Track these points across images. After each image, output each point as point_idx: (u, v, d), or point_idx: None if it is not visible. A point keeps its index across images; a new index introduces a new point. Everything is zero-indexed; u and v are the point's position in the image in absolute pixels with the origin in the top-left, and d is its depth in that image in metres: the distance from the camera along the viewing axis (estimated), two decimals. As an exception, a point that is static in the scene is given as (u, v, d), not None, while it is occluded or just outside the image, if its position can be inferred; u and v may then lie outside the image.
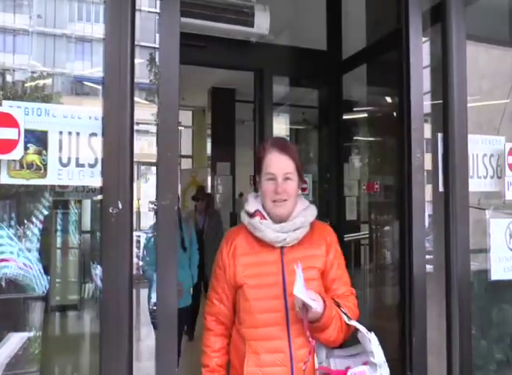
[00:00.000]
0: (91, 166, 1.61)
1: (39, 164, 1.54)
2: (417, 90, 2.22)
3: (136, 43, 1.67)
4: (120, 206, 1.58)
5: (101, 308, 1.58)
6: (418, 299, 2.14)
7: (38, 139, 1.55)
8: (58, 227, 3.32)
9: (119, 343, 1.57)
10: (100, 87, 1.69)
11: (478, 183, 2.35)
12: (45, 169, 1.55)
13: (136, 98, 1.66)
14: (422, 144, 2.21)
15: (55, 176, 1.56)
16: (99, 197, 1.64)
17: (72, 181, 1.60)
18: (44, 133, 1.55)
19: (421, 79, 2.23)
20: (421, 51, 2.25)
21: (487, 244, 2.34)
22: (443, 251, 2.24)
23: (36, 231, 2.68)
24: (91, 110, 1.64)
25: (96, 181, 1.62)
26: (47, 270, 2.80)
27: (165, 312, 1.65)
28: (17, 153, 1.49)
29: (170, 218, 1.68)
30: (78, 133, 1.61)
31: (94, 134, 1.63)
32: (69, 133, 1.59)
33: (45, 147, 1.55)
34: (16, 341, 2.22)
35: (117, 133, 1.61)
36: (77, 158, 1.59)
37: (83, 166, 1.60)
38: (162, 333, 1.66)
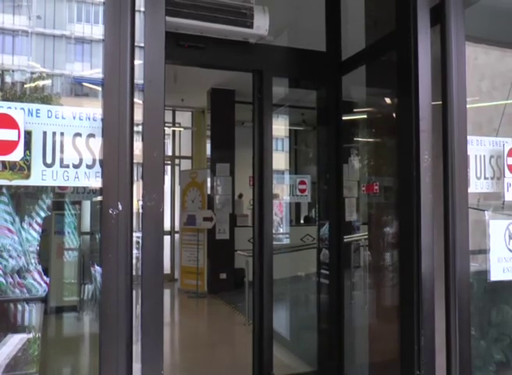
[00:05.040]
0: (76, 166, 1.61)
1: (22, 165, 1.53)
2: (425, 91, 2.23)
3: (135, 44, 1.67)
4: (120, 207, 1.58)
5: (101, 309, 1.58)
6: (426, 299, 2.18)
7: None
8: (58, 229, 3.32)
9: (119, 344, 1.57)
10: (99, 89, 1.69)
11: (478, 184, 2.35)
12: (29, 170, 1.54)
13: (135, 99, 1.66)
14: (430, 146, 2.21)
15: (38, 177, 1.56)
16: (99, 198, 1.64)
17: (57, 182, 1.59)
18: (29, 134, 1.54)
19: (429, 80, 2.24)
20: (429, 52, 2.25)
21: (486, 245, 2.34)
22: (443, 252, 2.24)
23: (35, 233, 2.68)
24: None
25: (82, 182, 1.62)
26: (46, 272, 2.80)
27: (152, 317, 1.65)
28: (17, 154, 1.49)
29: (155, 219, 1.67)
30: (62, 134, 1.60)
31: (80, 136, 1.62)
32: (54, 133, 1.58)
33: (29, 147, 1.54)
34: (15, 342, 2.22)
35: (117, 134, 1.61)
36: (61, 159, 1.58)
37: (67, 166, 1.59)
38: (148, 337, 1.65)
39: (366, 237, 3.69)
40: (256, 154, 3.38)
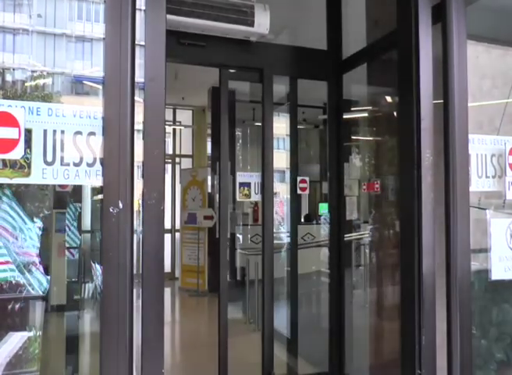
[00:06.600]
0: (76, 164, 1.60)
1: (22, 163, 1.53)
2: (427, 89, 2.23)
3: (136, 42, 1.67)
4: (121, 206, 1.58)
5: (102, 308, 1.58)
6: (427, 298, 2.17)
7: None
8: (59, 227, 3.32)
9: (119, 343, 1.57)
10: (100, 87, 1.69)
11: (479, 182, 2.35)
12: (29, 168, 1.53)
13: (136, 98, 1.65)
14: (432, 144, 2.21)
15: (39, 175, 1.55)
16: (99, 196, 1.64)
17: (57, 180, 1.59)
18: (29, 132, 1.54)
19: (430, 79, 2.23)
20: (430, 50, 2.25)
21: (487, 244, 2.34)
22: (444, 251, 2.24)
23: (38, 231, 2.68)
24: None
25: (83, 180, 1.62)
26: (47, 270, 2.80)
27: (152, 316, 1.65)
28: (18, 153, 1.49)
29: (156, 217, 1.67)
30: (63, 132, 1.59)
31: (81, 134, 1.62)
32: (54, 131, 1.58)
33: (29, 145, 1.53)
34: (15, 340, 2.22)
35: (117, 132, 1.61)
36: (62, 157, 1.58)
37: (68, 164, 1.59)
38: (148, 336, 1.65)
39: (367, 235, 3.69)
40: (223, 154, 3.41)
